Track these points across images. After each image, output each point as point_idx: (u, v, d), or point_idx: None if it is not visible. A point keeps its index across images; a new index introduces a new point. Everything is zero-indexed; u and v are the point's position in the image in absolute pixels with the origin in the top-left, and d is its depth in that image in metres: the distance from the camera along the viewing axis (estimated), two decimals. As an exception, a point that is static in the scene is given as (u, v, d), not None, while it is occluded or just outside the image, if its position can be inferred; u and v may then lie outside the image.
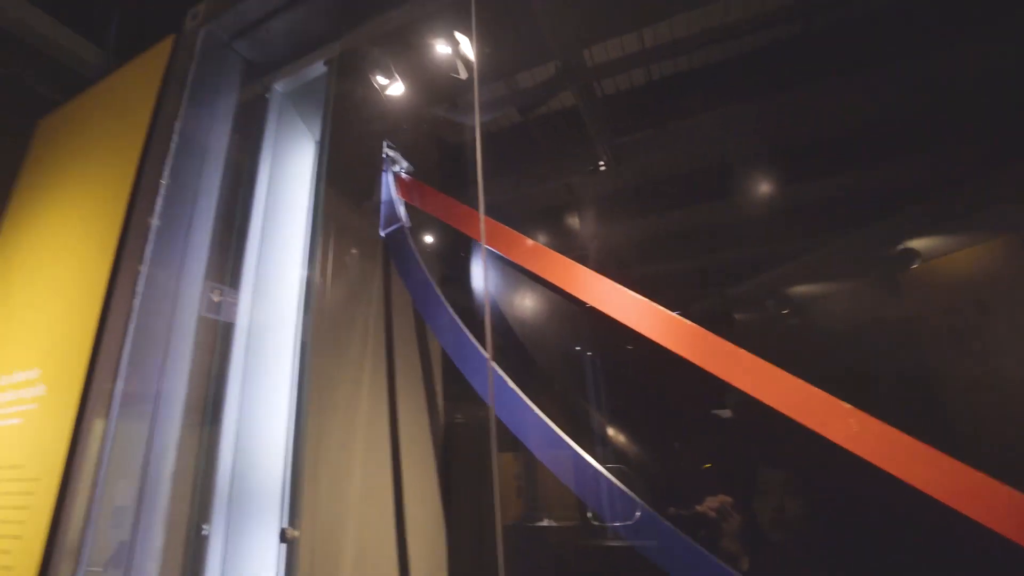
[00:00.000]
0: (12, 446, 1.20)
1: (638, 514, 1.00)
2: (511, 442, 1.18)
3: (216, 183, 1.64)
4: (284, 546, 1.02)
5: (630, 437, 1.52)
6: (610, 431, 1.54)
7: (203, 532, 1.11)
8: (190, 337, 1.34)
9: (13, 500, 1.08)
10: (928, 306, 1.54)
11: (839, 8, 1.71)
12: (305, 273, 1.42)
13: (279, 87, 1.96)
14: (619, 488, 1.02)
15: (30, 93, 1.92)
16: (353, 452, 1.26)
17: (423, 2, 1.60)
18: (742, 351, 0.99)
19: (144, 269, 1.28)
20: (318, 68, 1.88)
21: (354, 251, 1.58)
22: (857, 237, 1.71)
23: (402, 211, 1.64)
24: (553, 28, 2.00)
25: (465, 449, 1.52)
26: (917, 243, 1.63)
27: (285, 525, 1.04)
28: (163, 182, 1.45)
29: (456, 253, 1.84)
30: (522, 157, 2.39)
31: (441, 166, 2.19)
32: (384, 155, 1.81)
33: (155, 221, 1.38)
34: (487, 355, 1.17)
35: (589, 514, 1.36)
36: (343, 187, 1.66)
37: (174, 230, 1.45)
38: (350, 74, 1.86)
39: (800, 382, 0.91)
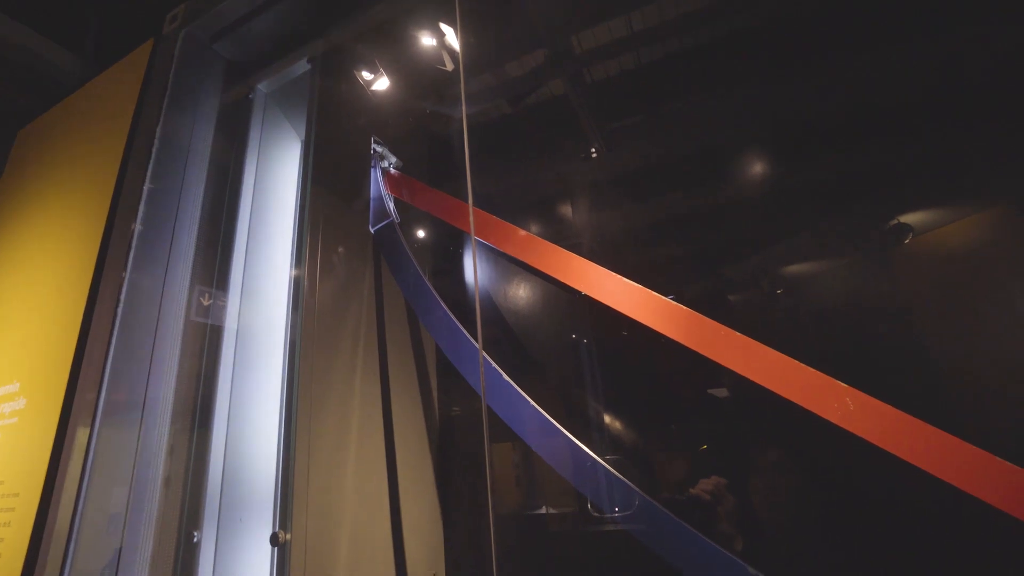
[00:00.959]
0: (-6, 461, 1.19)
1: (636, 502, 0.98)
2: (509, 432, 1.16)
3: (201, 185, 1.62)
4: (276, 550, 1.00)
5: (627, 423, 1.50)
6: (607, 418, 1.52)
7: (194, 539, 1.10)
8: (177, 342, 1.32)
9: (-5, 516, 1.06)
10: (921, 280, 1.51)
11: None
12: (293, 273, 1.40)
13: (262, 87, 1.94)
14: (615, 476, 0.99)
15: (10, 104, 1.91)
16: (347, 451, 1.24)
17: (404, -6, 1.57)
18: (734, 332, 0.97)
19: (127, 275, 1.26)
20: (301, 66, 1.85)
21: (343, 249, 1.55)
22: (851, 214, 1.68)
23: (391, 206, 1.61)
24: (539, 15, 1.96)
25: (461, 442, 1.49)
26: (909, 218, 1.60)
27: (277, 529, 1.01)
28: (145, 187, 1.43)
29: (447, 247, 1.82)
30: (513, 148, 2.36)
31: (431, 160, 2.16)
32: (372, 151, 1.78)
33: (138, 226, 1.36)
34: (478, 346, 1.14)
35: (589, 506, 1.34)
36: (331, 185, 1.64)
37: (158, 235, 1.43)
38: (334, 71, 1.83)
39: (793, 362, 0.88)
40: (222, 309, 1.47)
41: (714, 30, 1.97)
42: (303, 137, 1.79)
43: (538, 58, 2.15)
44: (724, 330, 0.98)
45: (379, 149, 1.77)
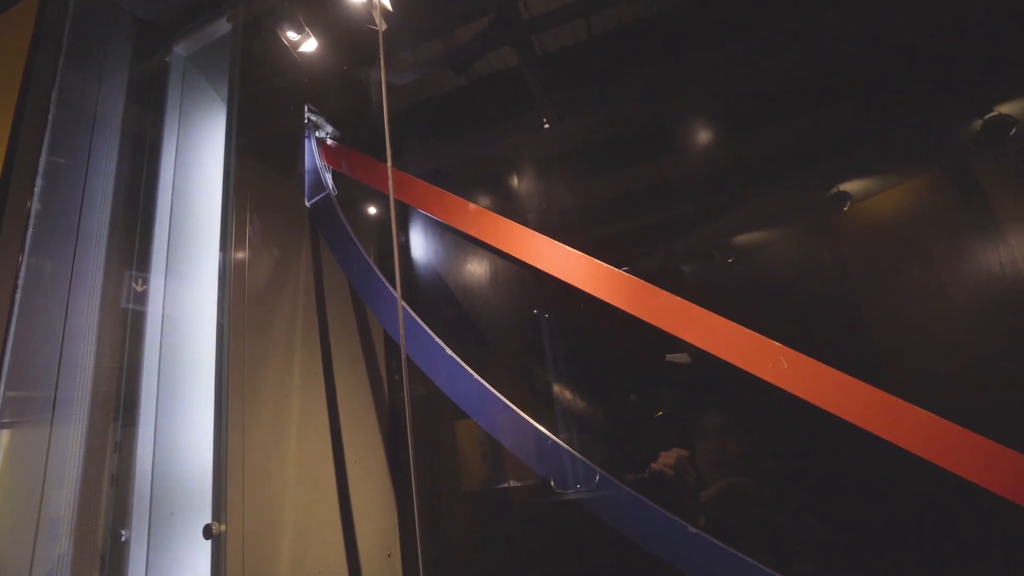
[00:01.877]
0: None
1: (597, 478, 0.99)
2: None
3: (112, 158, 1.47)
4: (210, 542, 0.95)
5: (585, 397, 1.52)
6: (566, 393, 1.53)
7: (122, 538, 1.03)
8: (93, 331, 1.21)
9: None
10: (858, 245, 1.59)
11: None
12: (220, 251, 1.30)
13: (180, 49, 1.76)
14: (567, 452, 0.99)
15: None
16: (287, 437, 1.19)
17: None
18: (673, 296, 0.97)
19: (24, 259, 1.13)
20: (221, 26, 1.69)
21: (276, 224, 1.46)
22: (795, 183, 1.73)
23: (328, 179, 1.52)
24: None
25: (414, 422, 1.46)
26: (848, 186, 1.67)
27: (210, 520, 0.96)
28: (42, 159, 1.28)
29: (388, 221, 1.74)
30: (464, 120, 2.28)
31: (371, 131, 2.05)
32: (306, 120, 1.67)
33: (35, 204, 1.22)
34: (396, 294, 1.11)
35: (552, 483, 1.35)
36: (261, 156, 1.52)
37: (63, 213, 1.29)
38: (259, 32, 1.68)
39: (730, 324, 0.90)
40: (144, 294, 1.36)
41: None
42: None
43: (484, 24, 2.06)
44: (663, 295, 0.98)
45: (314, 119, 1.66)
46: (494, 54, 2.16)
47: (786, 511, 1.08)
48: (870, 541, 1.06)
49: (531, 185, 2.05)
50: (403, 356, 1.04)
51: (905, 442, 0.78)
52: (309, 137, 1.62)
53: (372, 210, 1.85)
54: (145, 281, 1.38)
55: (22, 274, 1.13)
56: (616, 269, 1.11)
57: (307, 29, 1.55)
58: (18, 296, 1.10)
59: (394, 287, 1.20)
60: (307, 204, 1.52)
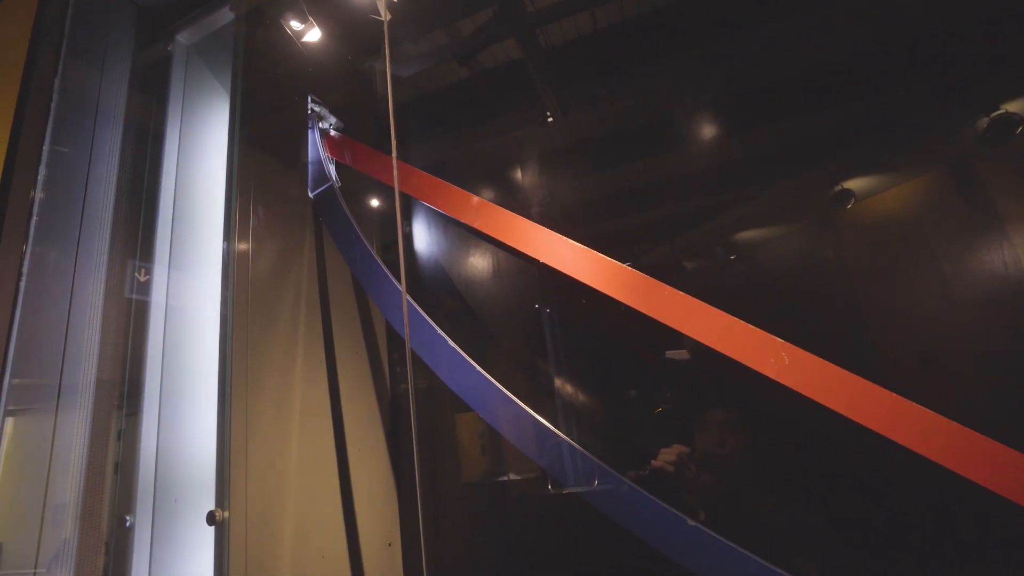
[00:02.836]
0: None
1: (596, 479, 0.99)
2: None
3: (116, 147, 1.46)
4: (213, 529, 0.96)
5: (586, 391, 1.52)
6: (567, 387, 1.53)
7: (127, 523, 1.04)
8: (97, 320, 1.22)
9: None
10: (861, 243, 1.59)
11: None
12: (224, 242, 1.31)
13: (182, 38, 1.75)
14: (545, 427, 1.00)
15: None
16: (289, 425, 1.20)
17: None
18: (677, 292, 0.97)
19: (28, 248, 1.14)
20: (224, 15, 1.68)
21: (279, 215, 1.46)
22: (799, 180, 1.73)
23: (332, 170, 1.52)
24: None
25: (418, 413, 1.47)
26: (852, 183, 1.66)
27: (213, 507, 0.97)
28: (46, 148, 1.28)
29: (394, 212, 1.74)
30: (469, 113, 2.27)
31: (377, 123, 2.04)
32: (309, 111, 1.66)
33: (39, 193, 1.22)
34: (401, 288, 1.11)
35: (549, 486, 1.36)
36: (264, 147, 1.52)
37: (67, 203, 1.29)
38: (263, 22, 1.67)
39: (733, 319, 0.90)
40: (148, 283, 1.36)
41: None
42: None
43: (488, 15, 2.05)
44: (665, 289, 0.98)
45: (317, 109, 1.65)
46: (498, 46, 2.15)
47: (787, 507, 1.09)
48: (869, 538, 1.07)
49: (534, 179, 2.04)
50: (407, 348, 1.05)
51: (904, 439, 0.79)
52: (312, 128, 1.62)
53: (375, 202, 1.85)
54: (148, 270, 1.38)
55: (26, 263, 1.13)
56: (619, 263, 1.11)
57: (310, 19, 1.54)
58: (23, 284, 1.10)
59: (398, 279, 1.20)
60: (310, 195, 1.52)
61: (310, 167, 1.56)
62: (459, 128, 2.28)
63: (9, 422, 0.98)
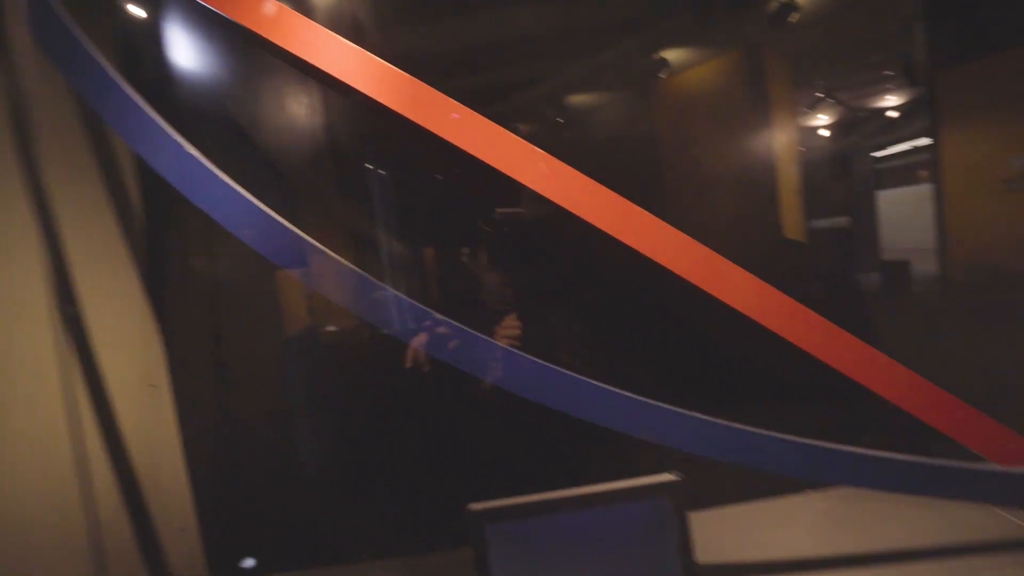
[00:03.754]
0: None
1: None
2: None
3: None
4: None
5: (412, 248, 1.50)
6: (391, 243, 1.48)
7: None
8: None
9: None
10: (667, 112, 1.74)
11: None
12: None
13: None
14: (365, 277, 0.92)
15: None
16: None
17: None
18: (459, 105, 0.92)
19: None
20: None
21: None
22: (621, 49, 1.79)
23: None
24: None
25: (175, 251, 1.27)
26: (669, 55, 1.77)
27: None
28: None
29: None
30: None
31: None
32: None
33: None
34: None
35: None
36: None
37: None
38: None
39: (496, 127, 0.89)
40: None
41: None
42: None
43: None
44: (452, 104, 0.92)
45: None
46: None
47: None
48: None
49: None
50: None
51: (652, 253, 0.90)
52: None
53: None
54: None
55: None
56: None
57: None
58: None
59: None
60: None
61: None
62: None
63: None
